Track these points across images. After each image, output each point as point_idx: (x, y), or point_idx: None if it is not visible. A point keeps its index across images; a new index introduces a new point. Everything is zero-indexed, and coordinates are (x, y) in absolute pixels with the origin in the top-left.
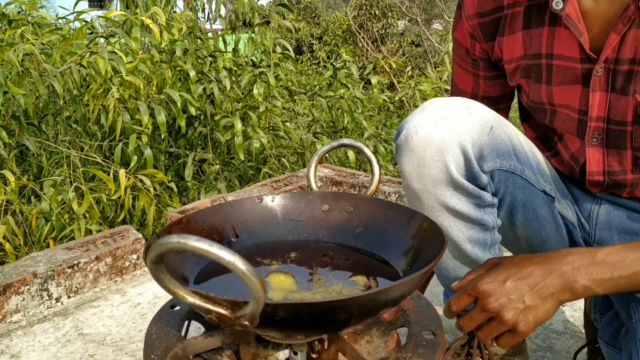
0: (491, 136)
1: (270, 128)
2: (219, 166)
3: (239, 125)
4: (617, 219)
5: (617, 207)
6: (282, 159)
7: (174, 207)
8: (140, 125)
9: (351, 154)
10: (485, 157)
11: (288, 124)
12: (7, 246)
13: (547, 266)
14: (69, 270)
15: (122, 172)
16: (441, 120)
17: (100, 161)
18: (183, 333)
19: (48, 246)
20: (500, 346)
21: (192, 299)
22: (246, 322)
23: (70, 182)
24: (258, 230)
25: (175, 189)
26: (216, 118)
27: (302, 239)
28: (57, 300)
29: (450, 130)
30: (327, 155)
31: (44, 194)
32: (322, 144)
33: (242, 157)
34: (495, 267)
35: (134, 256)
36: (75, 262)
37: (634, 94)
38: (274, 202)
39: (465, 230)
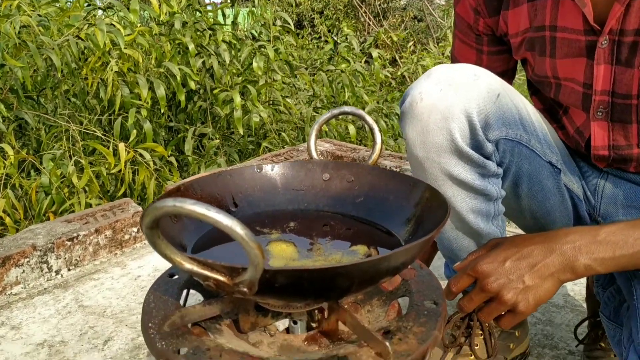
0: (498, 104)
1: (271, 102)
2: (218, 141)
3: (238, 99)
4: (623, 194)
5: (623, 182)
6: (282, 134)
7: (174, 182)
8: (140, 99)
9: (352, 128)
10: (491, 126)
11: (289, 99)
12: (8, 220)
13: (547, 245)
14: (69, 243)
15: (121, 146)
16: (447, 86)
17: (100, 135)
18: (182, 302)
19: (48, 220)
20: (502, 327)
21: (189, 266)
22: (245, 289)
23: (70, 156)
24: (257, 200)
25: (175, 164)
26: (215, 92)
27: (302, 209)
28: (57, 272)
29: (456, 97)
30: (327, 129)
31: (44, 167)
32: None
33: (241, 132)
34: (496, 248)
35: (134, 229)
36: (75, 234)
37: None
38: (274, 171)
39: (468, 200)
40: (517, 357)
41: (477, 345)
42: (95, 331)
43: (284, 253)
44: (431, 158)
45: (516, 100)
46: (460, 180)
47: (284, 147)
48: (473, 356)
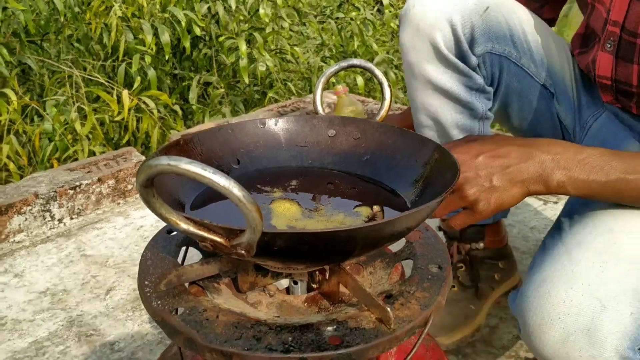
0: (485, 17)
1: (278, 51)
2: (223, 90)
3: (243, 47)
4: (603, 136)
5: (612, 123)
6: (289, 84)
7: (178, 130)
8: (144, 45)
9: (360, 80)
10: (476, 39)
11: (297, 48)
12: (12, 166)
13: (526, 150)
14: (71, 192)
15: (125, 93)
16: None
17: (104, 82)
18: (180, 260)
19: (52, 167)
20: (451, 226)
21: (185, 226)
22: (242, 252)
23: (73, 102)
24: (260, 156)
25: (180, 112)
26: (220, 39)
27: (306, 166)
28: (60, 221)
29: (443, 6)
30: (334, 80)
31: (47, 114)
32: None
33: (247, 81)
34: (473, 141)
35: None
36: (77, 183)
37: None
38: (277, 126)
39: (454, 114)
40: (509, 291)
41: (459, 277)
42: (97, 281)
43: (287, 212)
44: (420, 64)
45: (511, 17)
46: (445, 90)
47: (290, 98)
48: (457, 287)
